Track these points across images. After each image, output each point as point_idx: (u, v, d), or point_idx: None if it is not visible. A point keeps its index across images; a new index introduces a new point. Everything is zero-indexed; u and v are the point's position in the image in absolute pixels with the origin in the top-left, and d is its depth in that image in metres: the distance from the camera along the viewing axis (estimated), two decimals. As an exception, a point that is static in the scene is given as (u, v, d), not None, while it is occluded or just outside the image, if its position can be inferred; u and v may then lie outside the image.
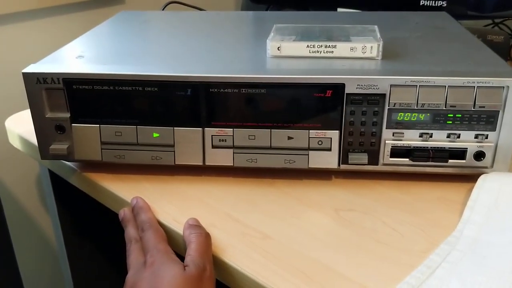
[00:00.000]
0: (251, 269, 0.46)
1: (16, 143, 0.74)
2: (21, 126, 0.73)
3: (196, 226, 0.51)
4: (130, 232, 0.53)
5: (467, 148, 0.55)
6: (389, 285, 0.43)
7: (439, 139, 0.55)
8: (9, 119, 0.76)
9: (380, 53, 0.57)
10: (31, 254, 1.02)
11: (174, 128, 0.56)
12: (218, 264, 0.48)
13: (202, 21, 0.79)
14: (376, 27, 0.63)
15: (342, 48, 0.57)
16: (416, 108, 0.53)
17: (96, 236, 0.87)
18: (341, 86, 0.53)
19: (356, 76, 0.53)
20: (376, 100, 0.53)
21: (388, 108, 0.54)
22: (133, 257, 0.50)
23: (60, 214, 0.81)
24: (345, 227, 0.51)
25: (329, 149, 0.56)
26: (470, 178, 0.56)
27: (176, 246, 0.51)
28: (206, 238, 0.49)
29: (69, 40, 0.67)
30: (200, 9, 0.98)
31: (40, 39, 0.92)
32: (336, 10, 0.97)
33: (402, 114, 0.54)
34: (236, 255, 0.48)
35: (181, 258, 0.48)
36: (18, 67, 0.58)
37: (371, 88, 0.53)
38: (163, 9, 0.95)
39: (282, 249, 0.48)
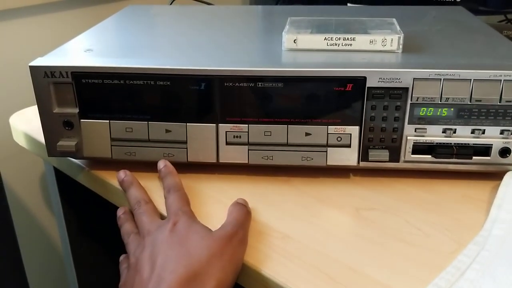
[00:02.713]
0: (271, 269, 0.44)
1: (20, 141, 0.72)
2: (26, 123, 0.71)
3: (242, 204, 0.50)
4: (138, 192, 0.52)
5: (492, 145, 0.53)
6: (416, 287, 0.41)
7: (463, 135, 0.53)
8: (14, 116, 0.74)
9: (401, 46, 0.55)
10: (35, 253, 1.00)
11: (187, 124, 0.54)
12: (235, 265, 0.46)
13: (211, 15, 0.77)
14: (394, 19, 0.61)
15: (361, 41, 0.55)
16: (439, 102, 0.51)
17: (102, 236, 0.85)
18: (362, 80, 0.51)
19: (378, 69, 0.50)
20: (398, 94, 0.51)
21: (411, 103, 0.51)
22: (147, 219, 0.48)
23: (65, 213, 0.80)
24: (367, 226, 0.49)
25: (349, 146, 0.54)
26: (495, 175, 0.54)
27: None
28: (246, 213, 0.48)
29: (74, 36, 0.64)
30: (208, 3, 0.96)
31: (44, 35, 0.90)
32: (346, 4, 0.95)
33: (425, 109, 0.52)
34: (254, 255, 0.45)
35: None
36: (22, 63, 0.56)
37: (393, 81, 0.51)
38: (171, 3, 0.93)
39: (303, 249, 0.46)
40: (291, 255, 0.45)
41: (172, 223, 0.46)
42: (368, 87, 0.51)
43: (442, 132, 0.53)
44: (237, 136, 0.54)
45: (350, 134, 0.53)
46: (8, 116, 0.74)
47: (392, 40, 0.55)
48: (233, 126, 0.54)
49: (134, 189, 0.53)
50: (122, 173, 0.55)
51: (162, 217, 0.51)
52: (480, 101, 0.51)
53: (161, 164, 0.54)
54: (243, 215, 0.48)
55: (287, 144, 0.54)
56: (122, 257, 0.51)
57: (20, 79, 0.82)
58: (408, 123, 0.52)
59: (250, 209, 0.50)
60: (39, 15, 0.89)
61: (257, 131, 0.54)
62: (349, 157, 0.54)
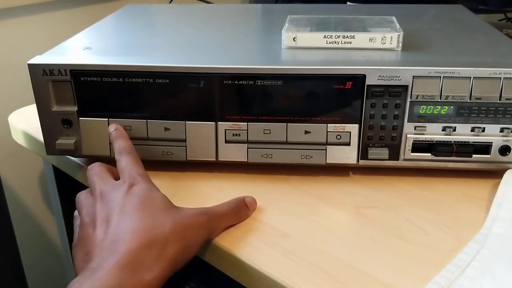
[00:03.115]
0: (271, 268, 0.43)
1: (19, 139, 0.72)
2: (25, 121, 0.71)
3: (245, 202, 0.49)
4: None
5: (492, 143, 0.52)
6: (417, 285, 0.41)
7: (463, 133, 0.53)
8: (12, 114, 0.74)
9: (400, 44, 0.55)
10: (34, 252, 1.00)
11: (186, 122, 0.54)
12: (234, 263, 0.46)
13: (210, 14, 0.77)
14: (394, 18, 0.61)
15: (360, 39, 0.55)
16: (439, 100, 0.51)
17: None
18: (362, 77, 0.51)
19: (378, 67, 0.50)
20: (398, 92, 0.51)
21: (410, 101, 0.51)
22: (100, 177, 0.47)
23: (64, 212, 0.79)
24: (366, 224, 0.49)
25: (348, 144, 0.53)
26: (495, 174, 0.54)
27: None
28: (239, 210, 0.48)
29: (72, 35, 0.64)
30: (208, 2, 0.96)
31: (43, 34, 0.89)
32: (345, 3, 0.95)
33: (425, 107, 0.52)
34: (254, 254, 0.45)
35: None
36: (21, 62, 0.56)
37: (393, 79, 0.50)
38: (170, 2, 0.92)
39: (303, 247, 0.46)
40: (290, 253, 0.45)
41: (128, 185, 0.44)
42: (367, 85, 0.51)
43: (442, 130, 0.53)
44: (236, 134, 0.54)
45: (350, 132, 0.53)
46: (7, 115, 0.73)
47: (391, 38, 0.55)
48: (232, 124, 0.54)
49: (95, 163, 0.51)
50: (112, 127, 0.54)
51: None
52: (480, 99, 0.51)
53: (112, 127, 0.53)
54: (234, 209, 0.47)
55: (286, 142, 0.54)
56: (76, 213, 0.49)
57: (19, 78, 0.82)
58: (408, 121, 0.52)
59: (248, 212, 0.50)
60: (37, 14, 0.88)
61: (256, 129, 0.54)
62: (348, 155, 0.54)
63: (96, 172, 0.49)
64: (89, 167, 0.50)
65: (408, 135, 0.53)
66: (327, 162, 0.54)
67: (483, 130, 0.52)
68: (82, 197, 0.48)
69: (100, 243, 0.41)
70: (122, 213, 0.42)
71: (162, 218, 0.42)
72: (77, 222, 0.48)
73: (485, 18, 0.89)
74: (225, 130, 0.54)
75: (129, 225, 0.41)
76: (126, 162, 0.48)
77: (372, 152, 0.54)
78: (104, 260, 0.39)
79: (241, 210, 0.49)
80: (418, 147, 0.53)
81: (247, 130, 0.54)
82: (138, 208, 0.43)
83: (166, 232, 0.41)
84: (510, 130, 0.52)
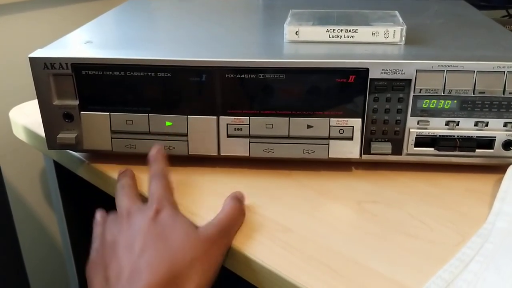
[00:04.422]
0: (273, 262, 0.43)
1: (20, 135, 0.72)
2: (26, 117, 0.71)
3: (238, 199, 0.48)
4: (126, 179, 0.51)
5: (495, 137, 0.52)
6: (420, 279, 0.41)
7: (466, 127, 0.52)
8: (13, 110, 0.73)
9: (403, 38, 0.55)
10: (35, 248, 0.99)
11: (188, 116, 0.54)
12: (236, 257, 0.46)
13: (211, 9, 0.77)
14: (396, 12, 0.60)
15: (363, 33, 0.55)
16: (442, 94, 0.51)
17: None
18: (365, 71, 0.50)
19: (381, 60, 0.50)
20: (401, 86, 0.51)
21: (414, 95, 0.51)
22: (128, 197, 0.47)
23: (65, 208, 0.79)
24: (369, 219, 0.48)
25: (351, 138, 0.53)
26: (498, 168, 0.53)
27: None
28: (239, 214, 0.47)
29: (74, 30, 0.64)
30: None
31: (44, 29, 0.89)
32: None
33: (428, 101, 0.51)
34: (256, 248, 0.45)
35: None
36: (21, 58, 0.55)
37: (396, 73, 0.50)
38: (171, -2, 0.92)
39: (305, 242, 0.45)
40: (292, 248, 0.45)
41: (155, 211, 0.44)
42: (370, 79, 0.50)
43: (445, 125, 0.52)
44: (238, 129, 0.54)
45: (353, 126, 0.53)
46: (8, 110, 0.73)
47: (394, 32, 0.54)
48: (234, 118, 0.54)
49: (124, 176, 0.52)
50: (155, 148, 0.53)
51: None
52: (483, 93, 0.50)
53: (154, 150, 0.52)
54: (235, 214, 0.47)
55: (288, 137, 0.54)
56: (98, 218, 0.49)
57: (20, 73, 0.82)
58: (411, 116, 0.52)
59: (245, 207, 0.49)
60: (38, 9, 0.88)
61: (258, 123, 0.53)
62: (351, 149, 0.54)
63: (126, 193, 0.49)
64: (119, 177, 0.50)
65: (411, 130, 0.52)
66: (329, 156, 0.54)
67: (487, 125, 0.52)
68: (111, 216, 0.48)
69: (120, 272, 0.41)
70: (145, 242, 0.42)
71: (183, 250, 0.42)
72: (97, 230, 0.48)
73: (487, 15, 0.88)
74: (227, 124, 0.54)
75: (150, 257, 0.41)
76: (157, 186, 0.48)
77: (375, 146, 0.53)
78: None
79: (241, 205, 0.49)
80: (421, 141, 0.53)
81: (249, 124, 0.54)
82: (161, 238, 0.42)
83: (187, 265, 0.41)
84: (513, 125, 0.51)
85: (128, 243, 0.43)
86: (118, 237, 0.44)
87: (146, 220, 0.44)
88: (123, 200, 0.48)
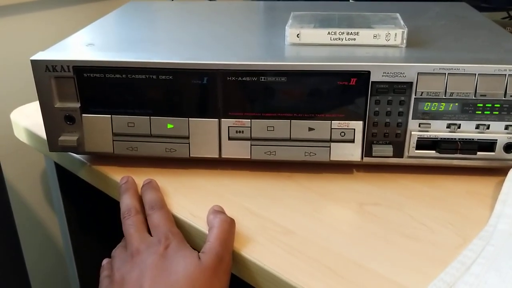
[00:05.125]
0: (274, 264, 0.43)
1: (22, 136, 0.72)
2: (27, 118, 0.71)
3: (221, 212, 0.48)
4: (130, 200, 0.51)
5: (496, 140, 0.52)
6: (422, 281, 0.41)
7: (468, 130, 0.52)
8: (15, 111, 0.74)
9: (405, 41, 0.55)
10: (36, 249, 1.00)
11: (189, 119, 0.54)
12: (238, 260, 0.46)
13: (212, 11, 0.77)
14: (398, 14, 0.60)
15: (364, 35, 0.55)
16: (444, 97, 0.51)
17: (103, 233, 0.84)
18: (366, 74, 0.50)
19: (382, 63, 0.50)
20: (402, 88, 0.51)
21: (415, 98, 0.51)
22: (136, 231, 0.47)
23: (66, 209, 0.79)
24: (370, 221, 0.49)
25: (352, 141, 0.53)
26: (499, 171, 0.54)
27: (191, 242, 0.48)
28: (230, 225, 0.46)
29: (75, 32, 0.64)
30: None
31: (46, 31, 0.89)
32: (348, 0, 0.94)
33: (429, 103, 0.51)
34: (257, 250, 0.45)
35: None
36: (23, 59, 0.55)
37: (397, 76, 0.50)
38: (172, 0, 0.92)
39: (306, 244, 0.46)
40: (294, 249, 0.45)
41: (164, 247, 0.45)
42: (372, 82, 0.51)
43: (447, 127, 0.52)
44: (239, 131, 0.54)
45: (354, 129, 0.53)
46: (9, 112, 0.73)
47: (396, 35, 0.55)
48: (236, 121, 0.54)
49: (128, 196, 0.52)
50: (124, 179, 0.54)
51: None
52: (484, 96, 0.50)
53: (146, 180, 0.53)
54: (226, 232, 0.46)
55: (290, 139, 0.54)
56: (105, 262, 0.50)
57: (21, 75, 0.82)
58: (412, 118, 0.52)
59: (230, 217, 0.48)
60: (40, 11, 0.88)
61: (259, 126, 0.54)
62: (352, 152, 0.54)
63: (132, 223, 0.49)
64: (124, 212, 0.50)
65: (412, 132, 0.53)
66: (331, 159, 0.54)
67: (488, 127, 0.52)
68: (117, 251, 0.49)
69: None
70: (154, 280, 0.43)
71: (187, 284, 0.42)
72: (104, 273, 0.48)
73: (488, 16, 0.89)
74: (228, 127, 0.54)
75: None
76: (159, 219, 0.48)
77: (376, 149, 0.53)
78: None
79: (226, 215, 0.48)
80: (423, 144, 0.53)
81: (251, 127, 0.54)
82: (166, 274, 0.43)
83: None
84: (515, 127, 0.51)
85: (136, 281, 0.43)
86: (127, 276, 0.44)
87: (154, 257, 0.44)
88: (131, 234, 0.48)
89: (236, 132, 0.54)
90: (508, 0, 1.00)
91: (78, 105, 0.54)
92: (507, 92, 0.50)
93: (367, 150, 0.54)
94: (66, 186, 0.77)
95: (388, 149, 0.53)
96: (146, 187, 0.53)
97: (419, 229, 0.47)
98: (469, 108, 0.51)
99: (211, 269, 0.43)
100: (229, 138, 0.54)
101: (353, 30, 0.55)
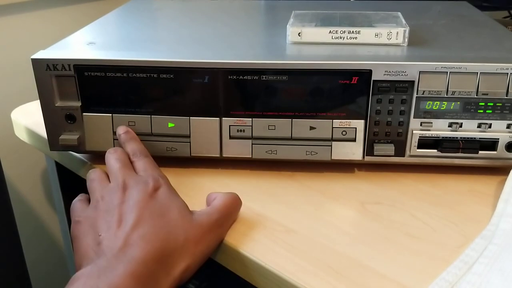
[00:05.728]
0: (276, 263, 0.43)
1: (22, 136, 0.72)
2: (28, 117, 0.71)
3: (235, 193, 0.48)
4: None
5: (498, 139, 0.52)
6: (424, 281, 0.41)
7: (469, 129, 0.52)
8: (15, 111, 0.73)
9: (406, 39, 0.55)
10: (37, 248, 0.99)
11: (190, 117, 0.54)
12: (239, 259, 0.45)
13: (214, 10, 0.77)
14: (399, 13, 0.60)
15: (366, 34, 0.55)
16: (446, 96, 0.51)
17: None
18: (368, 73, 0.50)
19: (384, 62, 0.50)
20: (404, 87, 0.51)
21: (417, 96, 0.51)
22: (122, 166, 0.47)
23: (66, 209, 0.79)
24: (372, 220, 0.48)
25: (354, 140, 0.53)
26: (501, 170, 0.53)
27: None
28: (235, 205, 0.47)
29: (76, 31, 0.64)
30: (211, -1, 0.95)
31: (46, 30, 0.89)
32: None
33: (431, 102, 0.51)
34: (258, 249, 0.45)
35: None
36: (24, 58, 0.55)
37: (399, 74, 0.50)
38: (173, -1, 0.92)
39: (307, 242, 0.45)
40: (295, 248, 0.45)
41: (153, 188, 0.44)
42: (373, 80, 0.50)
43: (448, 126, 0.52)
44: (240, 130, 0.54)
45: (355, 128, 0.53)
46: (10, 111, 0.73)
47: (397, 33, 0.54)
48: (237, 120, 0.54)
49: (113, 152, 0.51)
50: (122, 129, 0.53)
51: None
52: (486, 94, 0.50)
53: (121, 129, 0.52)
54: (232, 205, 0.47)
55: (291, 138, 0.54)
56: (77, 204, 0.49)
57: (22, 73, 0.82)
58: (414, 117, 0.52)
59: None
60: (41, 9, 0.88)
61: (261, 125, 0.53)
62: (354, 151, 0.54)
63: (119, 157, 0.48)
64: (109, 154, 0.50)
65: (414, 131, 0.52)
66: (332, 158, 0.54)
67: (490, 126, 0.52)
68: (97, 179, 0.48)
69: (114, 240, 0.41)
70: (140, 217, 0.42)
71: (178, 230, 0.42)
72: (94, 186, 0.47)
73: (489, 15, 0.88)
74: (230, 126, 0.54)
75: (145, 233, 0.41)
76: (145, 165, 0.48)
77: (378, 148, 0.53)
78: (117, 263, 0.39)
79: (237, 196, 0.48)
80: (424, 143, 0.53)
81: (252, 126, 0.54)
82: (157, 215, 0.43)
83: (179, 245, 0.41)
84: (517, 126, 0.51)
85: (124, 213, 0.43)
86: (114, 208, 0.44)
87: (143, 195, 0.44)
88: (117, 168, 0.47)
89: (237, 131, 0.54)
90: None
91: (79, 104, 0.54)
92: (509, 90, 0.50)
93: (368, 149, 0.54)
94: (66, 184, 0.77)
95: (390, 148, 0.53)
96: (125, 138, 0.51)
97: (421, 228, 0.47)
98: (471, 107, 0.51)
99: (204, 227, 0.43)
100: (230, 137, 0.54)
101: (354, 29, 0.55)
